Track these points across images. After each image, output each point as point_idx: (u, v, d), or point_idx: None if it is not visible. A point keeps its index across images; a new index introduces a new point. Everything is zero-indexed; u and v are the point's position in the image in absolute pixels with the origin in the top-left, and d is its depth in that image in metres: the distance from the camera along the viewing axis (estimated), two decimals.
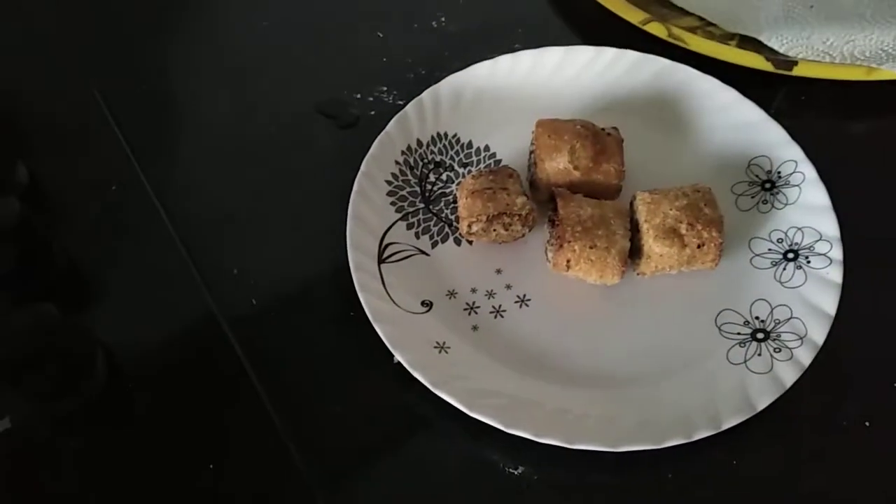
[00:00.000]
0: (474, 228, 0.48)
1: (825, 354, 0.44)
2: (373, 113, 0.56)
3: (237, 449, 0.45)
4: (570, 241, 0.46)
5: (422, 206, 0.52)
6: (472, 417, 0.43)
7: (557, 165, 0.49)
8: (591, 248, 0.46)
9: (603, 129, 0.50)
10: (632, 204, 0.48)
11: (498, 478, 0.44)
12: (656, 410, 0.43)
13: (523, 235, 0.49)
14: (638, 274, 0.48)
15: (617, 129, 0.50)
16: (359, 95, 0.57)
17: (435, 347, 0.46)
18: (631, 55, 0.55)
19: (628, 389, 0.45)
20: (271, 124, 0.56)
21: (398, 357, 0.44)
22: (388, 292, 0.47)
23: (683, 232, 0.46)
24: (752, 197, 0.51)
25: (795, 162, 0.51)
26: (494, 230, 0.48)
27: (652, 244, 0.46)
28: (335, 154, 0.54)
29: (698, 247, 0.46)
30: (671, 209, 0.46)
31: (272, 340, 0.48)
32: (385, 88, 0.57)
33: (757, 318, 0.47)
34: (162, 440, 0.45)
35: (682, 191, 0.47)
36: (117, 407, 0.46)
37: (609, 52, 0.55)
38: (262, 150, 0.55)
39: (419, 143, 0.53)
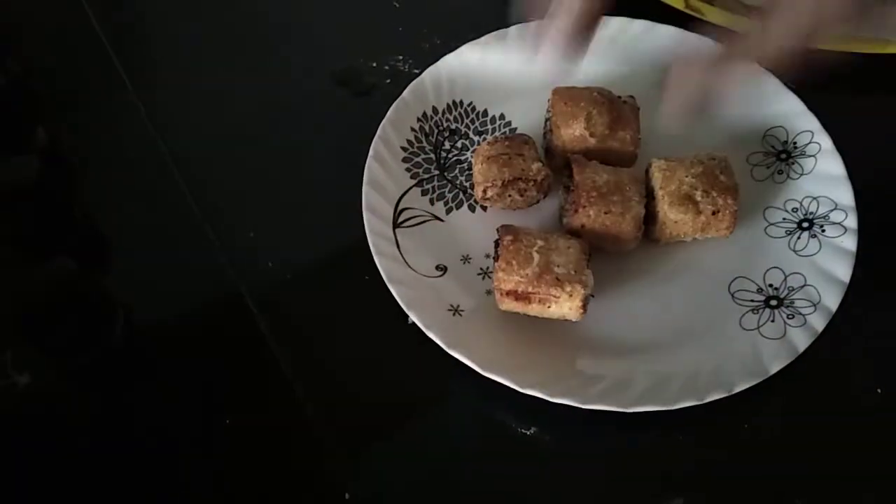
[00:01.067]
0: (489, 193, 0.48)
1: (838, 321, 0.44)
2: (388, 81, 0.56)
3: (252, 407, 0.46)
4: (584, 207, 0.46)
5: (437, 172, 0.52)
6: (485, 378, 0.43)
7: (573, 132, 0.49)
8: (605, 213, 0.46)
9: (619, 97, 0.50)
10: (647, 171, 0.48)
11: (510, 438, 0.44)
12: (669, 373, 0.44)
13: (538, 201, 0.50)
14: (652, 240, 0.48)
15: (633, 98, 0.50)
16: (374, 64, 0.57)
17: (449, 310, 0.46)
18: (646, 24, 0.54)
19: (642, 353, 0.45)
20: (287, 91, 0.56)
21: (413, 318, 0.45)
22: (402, 256, 0.48)
23: (698, 199, 0.46)
24: (768, 167, 0.51)
25: (811, 132, 0.50)
26: (509, 195, 0.49)
27: (667, 210, 0.46)
28: (350, 122, 0.54)
29: (713, 214, 0.46)
30: (687, 176, 0.46)
31: (288, 302, 0.48)
32: (401, 57, 0.57)
33: (770, 285, 0.47)
34: (178, 398, 0.46)
35: (698, 158, 0.47)
36: (135, 364, 0.46)
37: (624, 22, 0.54)
38: (277, 117, 0.55)
39: (434, 110, 0.53)
